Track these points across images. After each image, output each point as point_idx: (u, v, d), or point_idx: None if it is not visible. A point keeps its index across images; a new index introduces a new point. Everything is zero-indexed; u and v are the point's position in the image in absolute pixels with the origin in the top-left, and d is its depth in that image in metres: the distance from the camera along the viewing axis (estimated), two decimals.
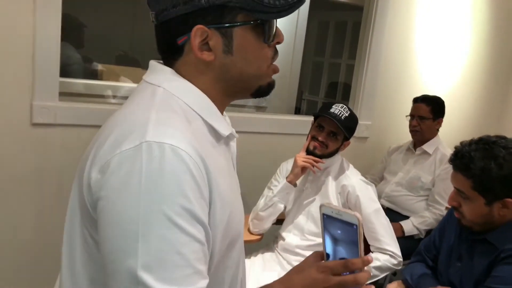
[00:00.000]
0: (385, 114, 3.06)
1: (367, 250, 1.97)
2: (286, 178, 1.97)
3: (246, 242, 1.67)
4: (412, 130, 2.74)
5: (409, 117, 2.75)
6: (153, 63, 0.83)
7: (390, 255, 1.89)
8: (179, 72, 0.78)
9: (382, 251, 1.90)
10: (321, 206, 0.76)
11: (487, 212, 1.37)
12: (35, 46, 2.00)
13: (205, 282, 0.67)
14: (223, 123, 0.80)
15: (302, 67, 4.41)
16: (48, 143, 2.12)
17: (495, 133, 3.39)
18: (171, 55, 0.79)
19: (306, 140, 2.02)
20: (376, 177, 2.95)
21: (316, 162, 1.94)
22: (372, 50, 2.91)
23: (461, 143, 1.42)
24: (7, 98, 2.00)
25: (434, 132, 2.72)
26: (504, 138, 1.37)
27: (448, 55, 3.23)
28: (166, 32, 0.77)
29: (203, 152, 0.69)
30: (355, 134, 3.01)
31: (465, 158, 1.36)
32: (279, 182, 2.09)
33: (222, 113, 0.82)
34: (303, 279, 0.75)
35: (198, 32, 0.73)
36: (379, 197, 2.79)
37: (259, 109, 4.23)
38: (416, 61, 3.11)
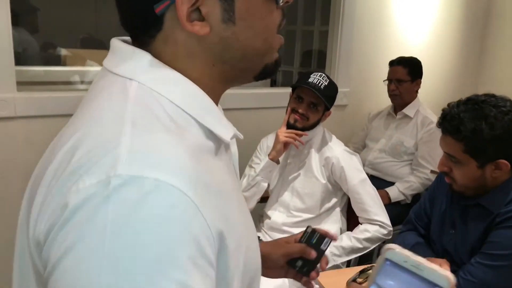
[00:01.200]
0: (363, 80, 2.98)
1: (356, 222, 1.91)
2: (268, 155, 1.88)
3: None
4: (391, 95, 2.67)
5: (387, 82, 2.68)
6: (117, 44, 0.58)
7: (380, 225, 1.85)
8: (157, 56, 0.56)
9: (371, 221, 1.85)
10: (387, 250, 0.62)
11: (480, 175, 1.31)
12: None
13: None
14: (225, 124, 0.60)
15: (290, 37, 4.29)
16: (9, 138, 1.98)
17: (473, 87, 3.36)
18: (144, 31, 0.56)
19: (286, 113, 1.92)
20: (358, 145, 2.89)
21: (299, 136, 1.86)
22: (345, 14, 2.81)
23: (449, 104, 1.35)
24: None
25: (413, 95, 2.67)
26: (493, 96, 1.30)
27: (422, 13, 3.15)
28: None
29: (204, 177, 0.50)
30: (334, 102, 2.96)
31: (454, 120, 1.29)
32: (260, 159, 2.01)
33: (217, 104, 0.62)
34: None
35: None
36: (363, 165, 2.74)
37: None
38: (391, 23, 3.02)
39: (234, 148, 0.69)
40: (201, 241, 0.46)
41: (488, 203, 1.31)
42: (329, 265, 1.77)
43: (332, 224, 1.93)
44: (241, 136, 0.64)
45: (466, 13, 3.36)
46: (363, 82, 2.99)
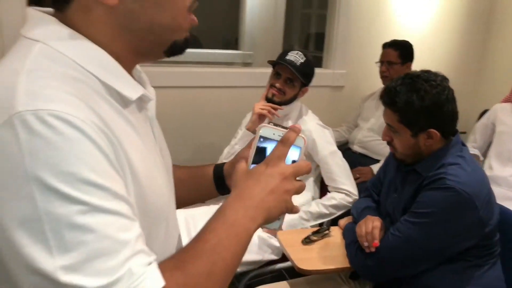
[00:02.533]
0: (359, 62, 3.09)
1: (325, 191, 2.07)
2: (246, 126, 2.06)
3: None
4: (382, 76, 2.78)
5: (379, 63, 2.78)
6: (30, 11, 0.64)
7: (346, 194, 2.00)
8: (71, 21, 0.62)
9: (338, 190, 2.00)
10: (260, 127, 0.72)
11: (414, 144, 1.44)
12: (0, 19, 2.06)
13: (152, 257, 0.56)
14: (130, 83, 0.65)
15: (290, 21, 4.40)
16: None
17: (474, 76, 3.39)
18: None
19: (266, 88, 2.08)
20: (350, 125, 3.02)
21: (275, 109, 2.02)
22: None
23: (390, 80, 1.48)
24: None
25: None
26: (427, 72, 1.43)
27: None
28: None
29: (100, 115, 0.56)
30: (331, 83, 3.08)
31: (391, 93, 1.42)
32: (242, 131, 2.18)
33: (130, 73, 0.68)
34: (257, 180, 0.67)
35: None
36: (353, 144, 2.88)
37: (246, 65, 4.28)
38: (388, 7, 3.10)
39: (151, 112, 0.74)
40: (105, 151, 0.54)
41: (421, 169, 1.44)
42: (297, 228, 1.95)
43: (305, 192, 2.09)
44: (152, 97, 0.71)
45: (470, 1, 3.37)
46: (360, 64, 3.09)
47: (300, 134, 0.71)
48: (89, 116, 0.54)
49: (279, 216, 0.70)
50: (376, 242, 1.42)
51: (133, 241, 0.54)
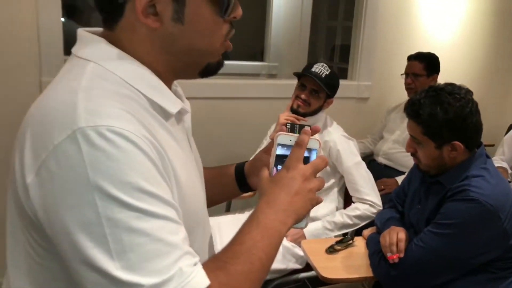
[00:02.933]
0: (384, 74, 3.11)
1: (349, 202, 2.09)
2: (270, 136, 2.10)
3: (240, 198, 1.84)
4: (408, 88, 2.79)
5: (404, 75, 2.79)
6: (81, 33, 0.71)
7: (370, 205, 2.01)
8: (118, 39, 0.68)
9: (362, 201, 2.02)
10: (277, 135, 0.77)
11: (438, 155, 1.45)
12: (38, 26, 2.19)
13: (197, 258, 0.61)
14: (171, 99, 0.71)
15: (315, 33, 4.43)
16: None
17: (503, 90, 3.36)
18: (109, 16, 0.69)
19: (291, 99, 2.13)
20: (376, 136, 3.03)
21: (298, 120, 2.06)
22: (368, 10, 2.94)
23: (415, 92, 1.51)
24: (18, 76, 2.22)
25: None
26: (451, 84, 1.45)
27: (447, 9, 3.19)
28: None
29: (148, 128, 0.62)
30: (356, 95, 3.11)
31: (415, 105, 1.45)
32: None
33: (169, 87, 0.73)
34: (281, 185, 0.72)
35: None
36: (378, 155, 2.89)
37: (271, 76, 4.34)
38: (414, 19, 3.11)
39: (188, 124, 0.81)
40: (156, 162, 0.60)
41: (445, 180, 1.45)
42: (321, 238, 1.97)
43: (329, 203, 2.12)
44: (188, 110, 0.77)
45: (498, 10, 3.34)
46: (385, 76, 3.11)
47: (314, 137, 0.76)
48: (140, 129, 0.60)
49: (305, 215, 0.75)
50: (401, 254, 1.43)
51: (181, 243, 0.59)
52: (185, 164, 0.70)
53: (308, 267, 1.85)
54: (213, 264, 0.63)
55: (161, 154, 0.62)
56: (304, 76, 2.07)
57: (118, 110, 0.60)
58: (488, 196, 1.33)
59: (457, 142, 1.42)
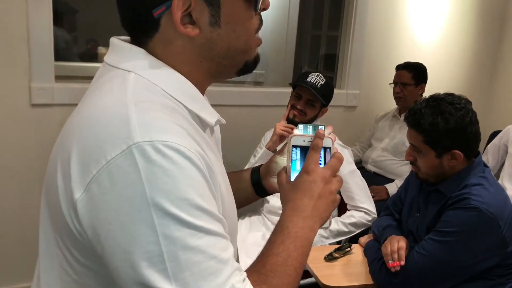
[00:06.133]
0: (372, 83, 3.15)
1: (344, 209, 2.11)
2: (266, 145, 2.11)
3: None
4: (396, 97, 2.84)
5: (392, 85, 2.85)
6: (116, 42, 0.69)
7: (365, 212, 2.03)
8: (153, 52, 0.66)
9: (357, 208, 2.04)
10: (291, 138, 0.77)
11: (438, 164, 1.48)
12: (29, 32, 2.15)
13: (245, 274, 0.61)
14: (209, 110, 0.71)
15: (300, 42, 4.48)
16: (47, 122, 2.28)
17: (486, 100, 3.42)
18: (143, 32, 0.66)
19: (286, 109, 2.14)
20: (364, 144, 3.07)
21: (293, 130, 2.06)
22: (357, 20, 2.98)
23: (415, 101, 1.54)
24: (6, 81, 2.16)
25: (417, 98, 2.80)
26: (451, 94, 1.48)
27: (433, 19, 3.26)
28: (138, 3, 0.65)
29: (197, 141, 0.62)
30: (344, 103, 3.14)
31: (416, 114, 1.48)
32: (262, 149, 2.23)
33: (203, 95, 0.73)
34: (303, 190, 0.71)
35: (180, 1, 0.62)
36: (367, 163, 2.92)
37: (257, 84, 4.35)
38: (402, 29, 3.17)
39: (218, 134, 0.81)
40: (208, 179, 0.59)
41: (444, 189, 1.48)
42: (317, 245, 1.98)
43: None
44: (224, 121, 0.75)
45: (480, 18, 3.41)
46: (373, 85, 3.15)
47: (326, 135, 0.76)
48: (192, 144, 0.59)
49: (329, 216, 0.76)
50: (402, 262, 1.45)
51: (231, 259, 0.60)
52: (223, 176, 0.70)
53: (306, 274, 1.85)
54: (257, 278, 0.63)
55: (209, 168, 0.61)
56: (300, 86, 2.08)
57: (171, 124, 0.59)
58: (488, 205, 1.36)
59: (457, 151, 1.45)
